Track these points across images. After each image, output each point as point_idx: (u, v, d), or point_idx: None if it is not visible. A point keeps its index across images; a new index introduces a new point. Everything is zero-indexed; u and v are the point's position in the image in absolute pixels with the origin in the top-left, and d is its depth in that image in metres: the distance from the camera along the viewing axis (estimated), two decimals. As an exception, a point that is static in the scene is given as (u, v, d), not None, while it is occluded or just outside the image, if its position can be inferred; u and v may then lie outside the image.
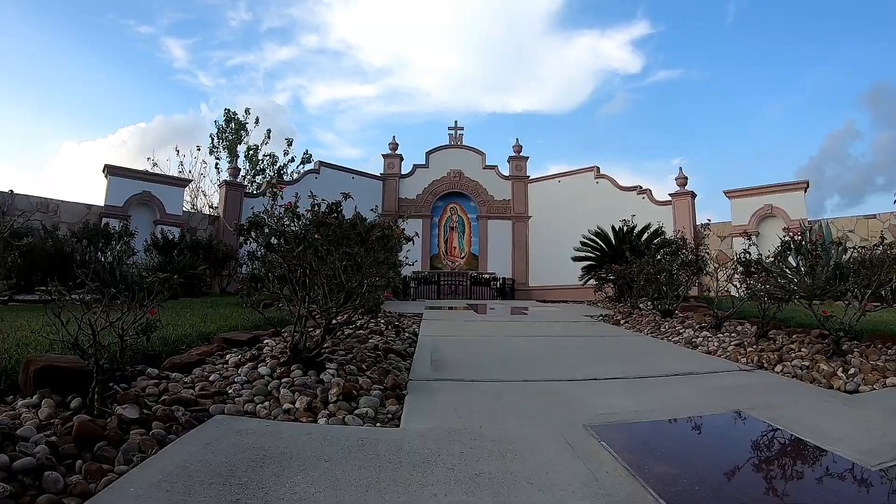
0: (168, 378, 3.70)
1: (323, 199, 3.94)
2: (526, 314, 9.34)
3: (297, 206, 3.53)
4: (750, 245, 8.02)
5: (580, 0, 50.90)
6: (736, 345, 6.15)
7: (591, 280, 12.32)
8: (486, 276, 21.69)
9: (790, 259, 6.15)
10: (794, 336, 6.22)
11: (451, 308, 11.15)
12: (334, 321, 3.93)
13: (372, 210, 4.49)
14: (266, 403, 3.16)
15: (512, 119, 51.47)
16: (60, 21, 41.24)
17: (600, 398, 3.68)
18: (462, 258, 22.85)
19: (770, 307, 6.52)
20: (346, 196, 4.09)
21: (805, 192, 19.74)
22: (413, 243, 4.38)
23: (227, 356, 4.25)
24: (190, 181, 19.91)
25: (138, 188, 18.96)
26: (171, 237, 14.08)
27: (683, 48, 50.35)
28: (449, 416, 3.10)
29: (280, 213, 3.57)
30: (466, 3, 48.23)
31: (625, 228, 11.69)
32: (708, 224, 11.92)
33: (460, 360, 4.79)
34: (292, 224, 3.50)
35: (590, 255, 12.13)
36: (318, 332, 4.02)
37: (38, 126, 44.85)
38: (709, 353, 6.03)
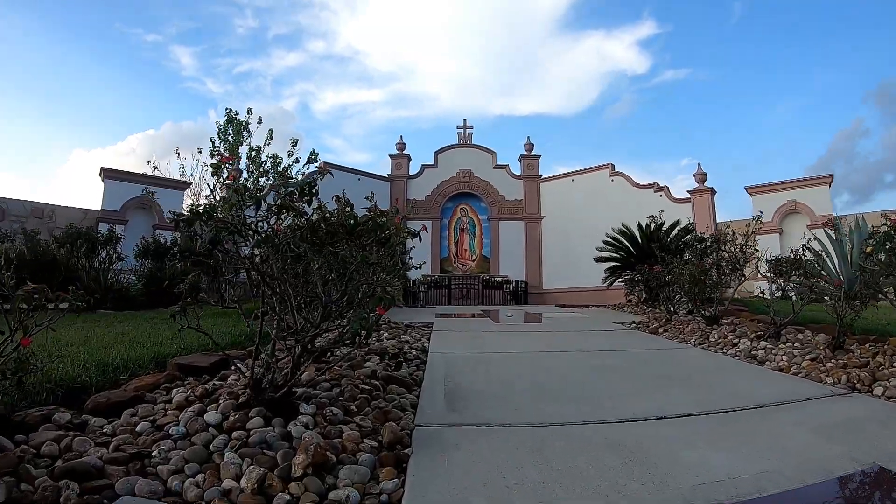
0: (83, 427, 2.63)
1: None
2: (550, 322, 8.20)
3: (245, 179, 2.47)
4: (810, 240, 6.88)
5: (585, 2, 49.85)
6: (811, 359, 5.03)
7: (616, 282, 11.17)
8: (499, 279, 20.56)
9: (881, 255, 5.00)
10: (873, 346, 5.11)
11: (464, 316, 10.03)
12: (313, 345, 2.83)
13: (367, 198, 3.37)
14: (200, 477, 2.07)
15: (520, 122, 50.57)
16: (69, 32, 40.82)
17: (685, 451, 2.56)
18: (473, 261, 21.72)
19: (846, 312, 5.38)
20: (339, 198, 3.02)
21: (829, 186, 18.52)
22: (420, 239, 3.26)
23: (175, 392, 3.16)
24: (189, 184, 18.97)
25: (136, 191, 18.09)
26: (164, 242, 13.06)
27: (690, 48, 49.14)
28: (475, 498, 1.99)
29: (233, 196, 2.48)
30: (472, 7, 47.33)
31: (652, 225, 10.54)
32: (736, 222, 10.73)
33: (482, 390, 3.67)
34: (241, 207, 2.41)
35: (614, 255, 10.95)
36: (297, 357, 2.93)
37: (48, 135, 44.40)
38: (780, 370, 4.92)
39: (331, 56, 51.33)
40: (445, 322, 8.20)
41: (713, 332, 6.57)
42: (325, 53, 51.50)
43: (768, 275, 7.36)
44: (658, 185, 20.02)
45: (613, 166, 20.68)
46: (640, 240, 10.30)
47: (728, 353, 5.69)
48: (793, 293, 7.81)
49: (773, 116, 49.71)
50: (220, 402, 2.90)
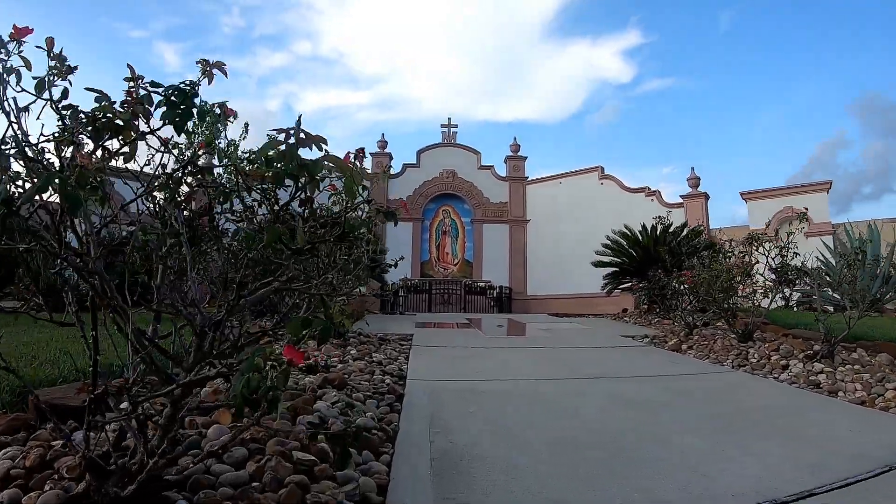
0: None
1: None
2: (549, 336, 6.92)
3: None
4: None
5: (573, 10, 49.28)
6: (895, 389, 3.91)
7: (615, 289, 9.99)
8: (482, 284, 19.30)
9: None
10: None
11: (447, 326, 8.73)
12: (187, 400, 1.54)
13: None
14: None
15: (504, 128, 49.79)
16: (52, 24, 38.75)
17: None
18: (455, 265, 20.44)
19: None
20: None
21: (827, 193, 17.71)
22: (395, 223, 1.90)
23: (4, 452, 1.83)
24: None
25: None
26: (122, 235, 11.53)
27: (675, 58, 48.79)
28: None
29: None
30: (459, 12, 46.38)
31: (658, 227, 9.37)
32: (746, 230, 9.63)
33: (487, 454, 2.36)
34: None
35: (615, 260, 9.73)
36: (166, 421, 1.62)
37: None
38: (861, 403, 3.77)
39: (316, 57, 50.01)
40: (427, 334, 6.86)
41: (750, 350, 5.38)
42: (311, 54, 50.17)
43: (768, 283, 6.31)
44: (649, 189, 19.00)
45: (603, 169, 19.61)
46: (644, 243, 9.10)
47: (780, 378, 4.49)
48: (827, 304, 6.71)
49: (755, 126, 49.62)
50: (47, 489, 1.62)
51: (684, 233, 9.16)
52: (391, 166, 20.48)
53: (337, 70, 50.65)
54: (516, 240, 20.34)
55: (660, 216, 9.72)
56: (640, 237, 9.29)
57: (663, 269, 7.87)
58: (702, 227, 9.51)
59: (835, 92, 46.47)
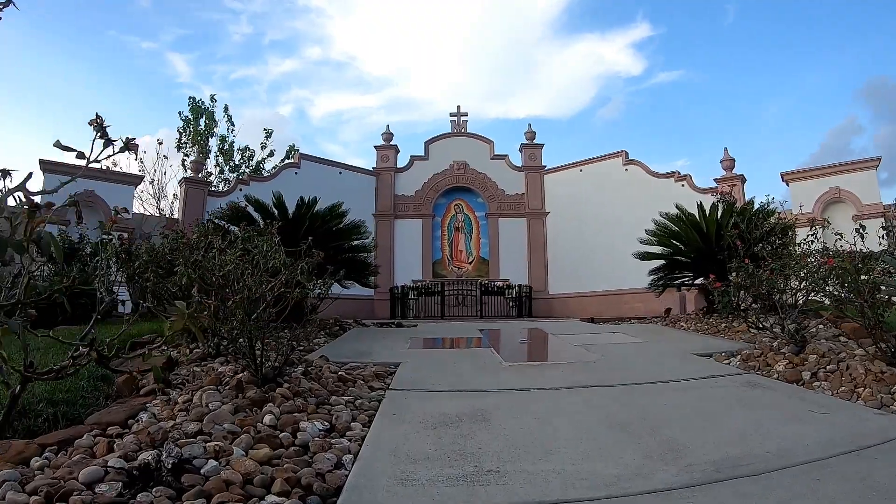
0: None
1: None
2: (595, 358, 4.62)
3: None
4: None
5: (580, 5, 46.95)
6: None
7: (667, 287, 7.79)
8: (499, 283, 17.14)
9: None
10: None
11: (452, 345, 6.59)
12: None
13: None
14: None
15: (515, 124, 47.73)
16: (61, 40, 37.72)
17: None
18: (470, 263, 18.30)
19: None
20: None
21: (876, 170, 15.28)
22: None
23: None
24: (142, 178, 15.57)
25: (79, 187, 14.89)
26: (74, 240, 9.69)
27: (684, 49, 46.20)
28: None
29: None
30: (467, 12, 44.27)
31: (720, 207, 7.09)
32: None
33: None
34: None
35: (666, 250, 7.43)
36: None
37: (43, 144, 41.38)
38: None
39: (327, 61, 48.33)
40: (420, 363, 4.59)
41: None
42: (321, 59, 48.53)
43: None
44: (679, 173, 16.68)
45: (627, 154, 17.32)
46: (706, 228, 6.82)
47: None
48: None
49: (766, 115, 46.75)
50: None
51: (751, 214, 6.87)
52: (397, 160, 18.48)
53: (348, 73, 48.91)
54: (535, 234, 18.13)
55: (723, 191, 7.47)
56: (701, 221, 7.02)
57: (734, 260, 5.71)
58: (774, 207, 7.27)
59: (842, 78, 43.51)
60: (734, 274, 4.95)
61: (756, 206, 7.35)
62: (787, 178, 15.66)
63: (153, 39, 39.33)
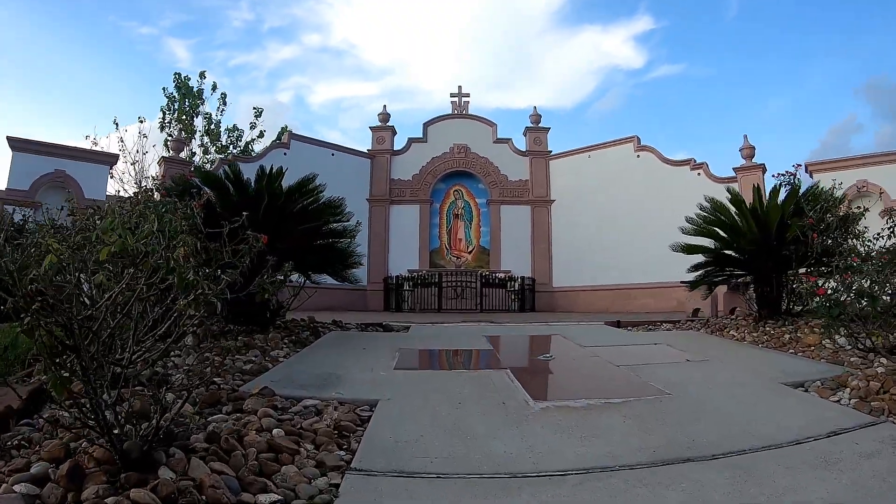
0: None
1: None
2: (660, 397, 3.09)
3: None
4: None
5: None
6: None
7: (714, 287, 6.38)
8: (501, 275, 15.77)
9: None
10: None
11: (453, 362, 5.15)
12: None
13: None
14: None
15: (517, 114, 46.34)
16: (60, 25, 36.01)
17: None
18: (469, 253, 16.91)
19: None
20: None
21: (905, 163, 13.96)
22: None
23: None
24: (117, 157, 14.11)
25: (49, 166, 13.49)
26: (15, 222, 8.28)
27: (686, 43, 44.67)
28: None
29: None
30: (468, 1, 42.63)
31: (780, 189, 5.69)
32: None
33: None
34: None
35: (717, 245, 5.94)
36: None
37: (41, 128, 39.81)
38: None
39: (326, 49, 46.73)
40: (409, 396, 3.11)
41: None
42: (321, 46, 46.89)
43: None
44: (695, 161, 15.29)
45: (639, 139, 15.89)
46: (768, 217, 5.38)
47: None
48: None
49: (767, 111, 45.37)
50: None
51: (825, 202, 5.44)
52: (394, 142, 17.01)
53: (347, 61, 47.36)
54: (539, 223, 16.72)
55: (782, 172, 6.06)
56: (759, 207, 5.57)
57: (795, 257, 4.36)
58: (841, 194, 5.90)
59: (846, 76, 42.14)
60: (837, 275, 3.62)
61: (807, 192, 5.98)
62: (812, 169, 14.28)
63: (152, 25, 37.75)
